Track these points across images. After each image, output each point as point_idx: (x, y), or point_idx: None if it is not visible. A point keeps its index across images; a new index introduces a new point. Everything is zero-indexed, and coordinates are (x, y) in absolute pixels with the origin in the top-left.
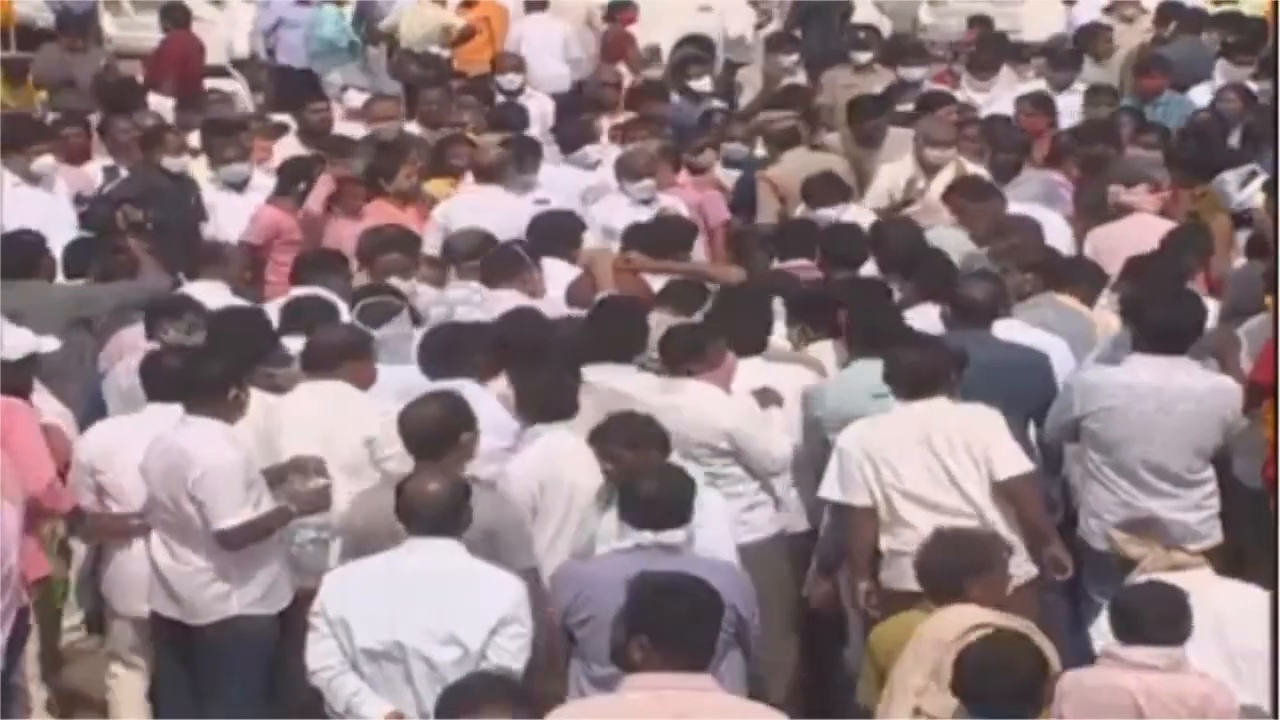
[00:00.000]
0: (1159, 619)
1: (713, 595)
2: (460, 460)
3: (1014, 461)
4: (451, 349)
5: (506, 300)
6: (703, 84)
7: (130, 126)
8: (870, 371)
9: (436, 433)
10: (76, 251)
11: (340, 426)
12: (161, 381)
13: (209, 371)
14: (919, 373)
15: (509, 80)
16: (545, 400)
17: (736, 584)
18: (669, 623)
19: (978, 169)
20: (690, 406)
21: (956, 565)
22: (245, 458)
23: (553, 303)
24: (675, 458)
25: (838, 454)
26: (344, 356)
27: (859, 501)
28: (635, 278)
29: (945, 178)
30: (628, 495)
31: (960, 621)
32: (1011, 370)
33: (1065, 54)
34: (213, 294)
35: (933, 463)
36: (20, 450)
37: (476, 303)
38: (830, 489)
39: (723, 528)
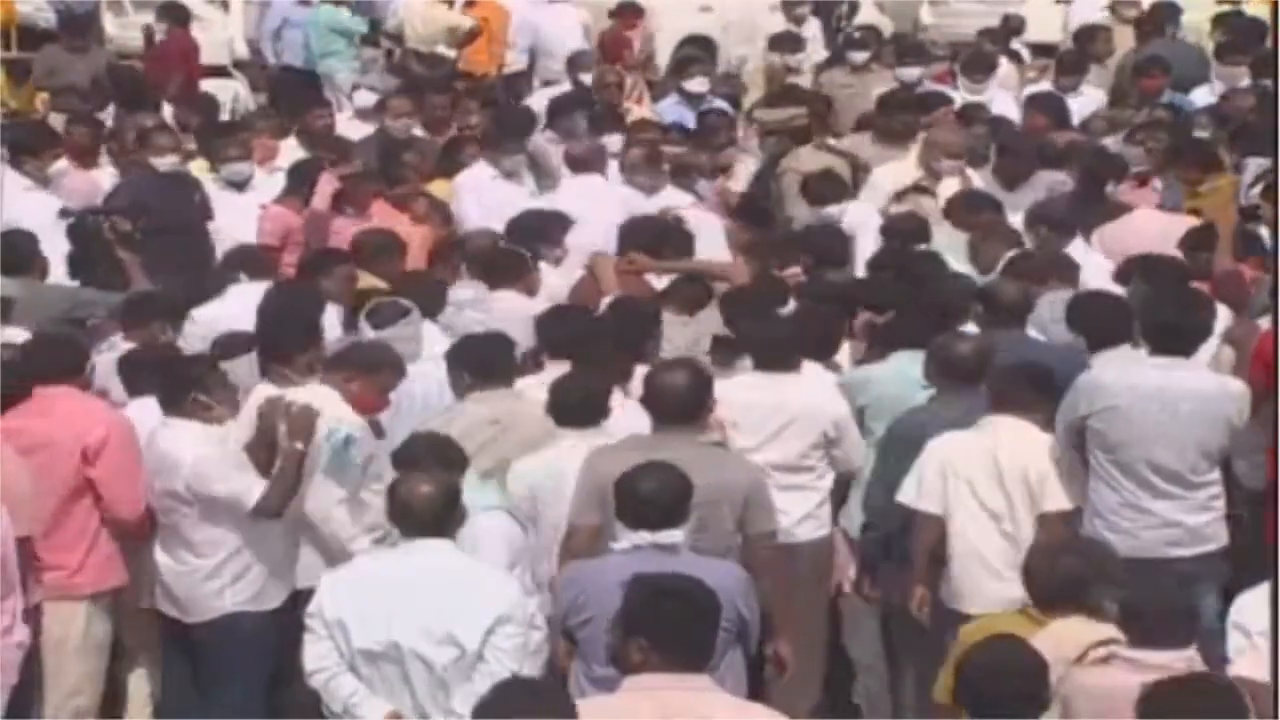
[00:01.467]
0: (1173, 621)
1: (710, 595)
2: (702, 426)
3: (1061, 497)
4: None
5: (506, 300)
6: (700, 85)
7: (136, 127)
8: (915, 365)
9: (688, 399)
10: (78, 258)
11: None
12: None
13: (171, 373)
14: (1003, 388)
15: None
16: (575, 406)
17: (738, 582)
18: (666, 624)
19: (974, 176)
20: (801, 399)
21: (1085, 574)
22: (225, 447)
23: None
24: (781, 456)
25: (920, 460)
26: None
27: (930, 509)
28: (638, 278)
29: (952, 186)
30: (625, 496)
31: (1080, 638)
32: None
33: (1072, 58)
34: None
35: (996, 481)
36: (119, 475)
37: (477, 302)
38: (907, 494)
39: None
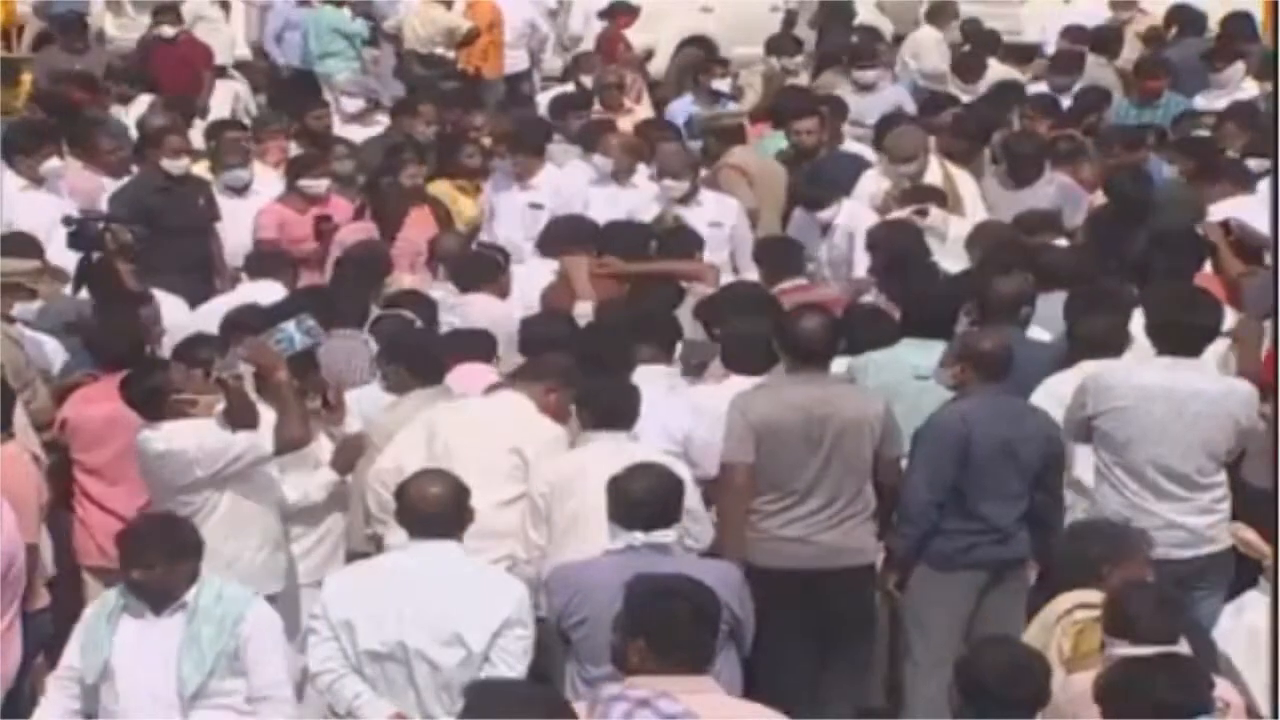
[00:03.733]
0: (1159, 619)
1: (710, 596)
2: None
3: None
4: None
5: (477, 303)
6: (725, 84)
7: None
8: (916, 353)
9: (824, 341)
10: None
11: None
12: None
13: (141, 386)
14: None
15: None
16: (607, 409)
17: (731, 582)
18: (666, 625)
19: (962, 172)
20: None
21: (1096, 553)
22: (218, 430)
23: (531, 308)
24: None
25: None
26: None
27: None
28: (610, 281)
29: (933, 180)
30: (617, 497)
31: (1061, 603)
32: (1038, 367)
33: (1067, 57)
34: (271, 294)
35: None
36: None
37: (448, 306)
38: None
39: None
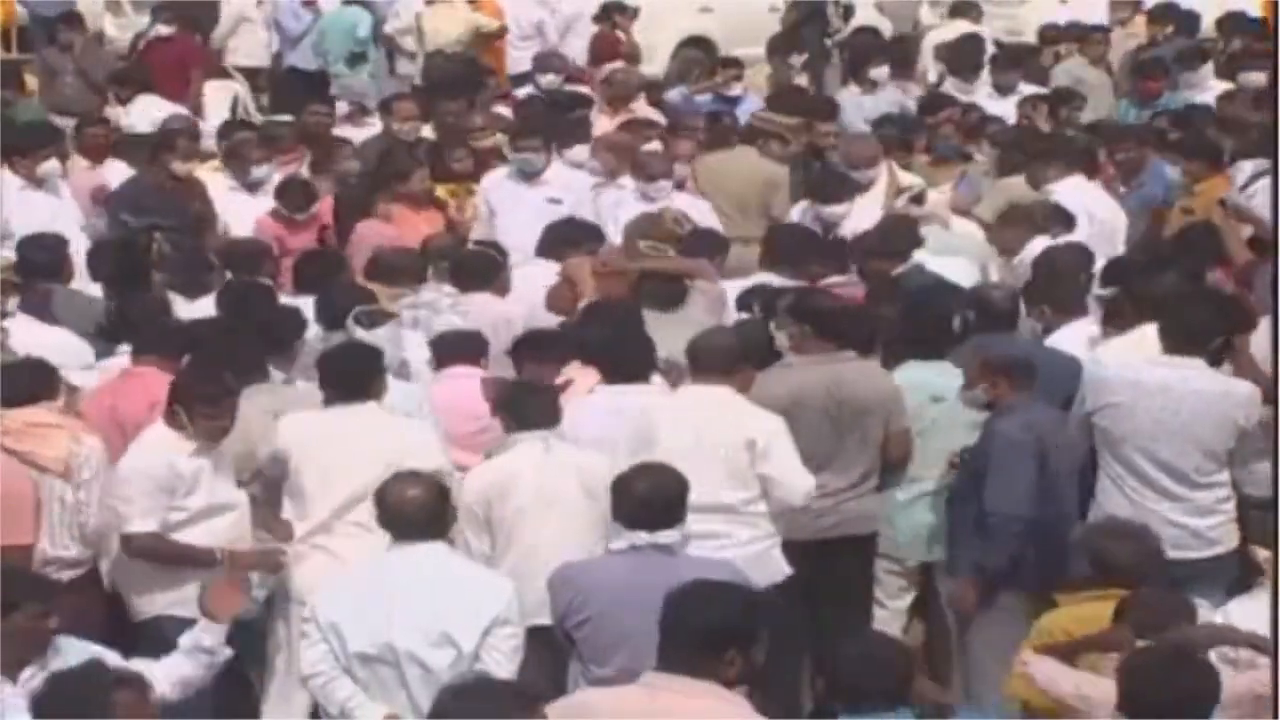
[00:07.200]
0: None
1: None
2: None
3: None
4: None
5: (480, 303)
6: (739, 89)
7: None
8: (926, 373)
9: (844, 323)
10: (100, 258)
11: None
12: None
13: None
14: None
15: None
16: (530, 408)
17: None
18: (666, 627)
19: (912, 177)
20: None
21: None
22: (171, 468)
23: (534, 309)
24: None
25: None
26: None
27: None
28: (614, 280)
29: (879, 190)
30: (621, 496)
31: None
32: (1043, 372)
33: (1010, 57)
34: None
35: None
36: None
37: (446, 306)
38: None
39: None
